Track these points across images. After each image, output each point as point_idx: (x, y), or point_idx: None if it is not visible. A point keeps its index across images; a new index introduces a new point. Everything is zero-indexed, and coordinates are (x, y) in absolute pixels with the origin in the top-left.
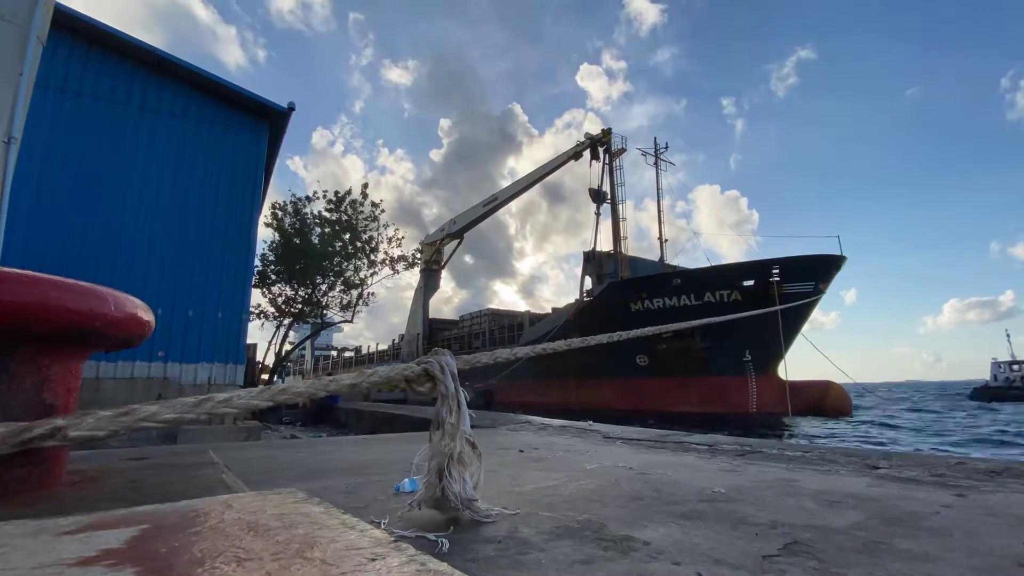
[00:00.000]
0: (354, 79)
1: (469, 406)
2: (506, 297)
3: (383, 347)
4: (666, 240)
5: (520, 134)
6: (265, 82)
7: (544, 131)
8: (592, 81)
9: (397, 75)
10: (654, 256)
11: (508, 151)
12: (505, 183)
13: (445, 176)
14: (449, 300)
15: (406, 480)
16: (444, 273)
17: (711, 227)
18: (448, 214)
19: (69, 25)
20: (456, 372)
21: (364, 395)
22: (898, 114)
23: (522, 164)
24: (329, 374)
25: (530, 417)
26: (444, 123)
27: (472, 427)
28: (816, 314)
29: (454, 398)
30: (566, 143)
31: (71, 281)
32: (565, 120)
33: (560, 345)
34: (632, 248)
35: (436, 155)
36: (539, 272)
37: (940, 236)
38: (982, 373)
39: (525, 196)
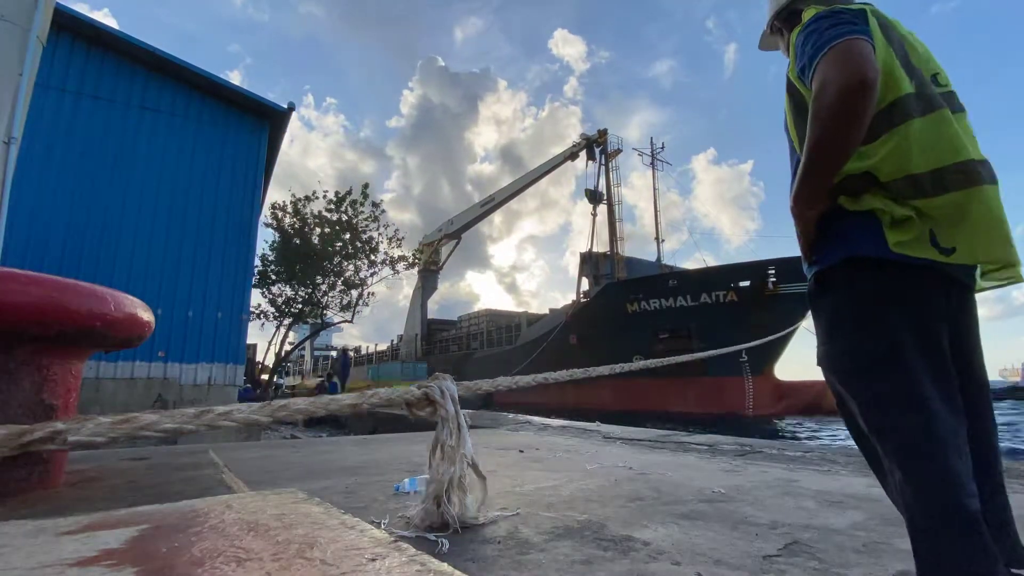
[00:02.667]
0: None
1: (468, 405)
2: (486, 289)
3: (382, 347)
4: (663, 240)
5: (487, 93)
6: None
7: (512, 86)
8: (570, 47)
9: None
10: (645, 241)
11: (476, 115)
12: (479, 152)
13: (405, 145)
14: (409, 297)
15: (406, 480)
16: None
17: (711, 201)
18: (404, 191)
19: (69, 25)
20: (456, 396)
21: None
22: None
23: (488, 129)
24: (328, 375)
25: (530, 417)
26: (408, 95)
27: (472, 427)
28: None
29: (454, 421)
30: (538, 102)
31: (71, 281)
32: (531, 78)
33: (562, 375)
34: (623, 233)
35: (394, 122)
36: (519, 261)
37: None
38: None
39: (488, 172)
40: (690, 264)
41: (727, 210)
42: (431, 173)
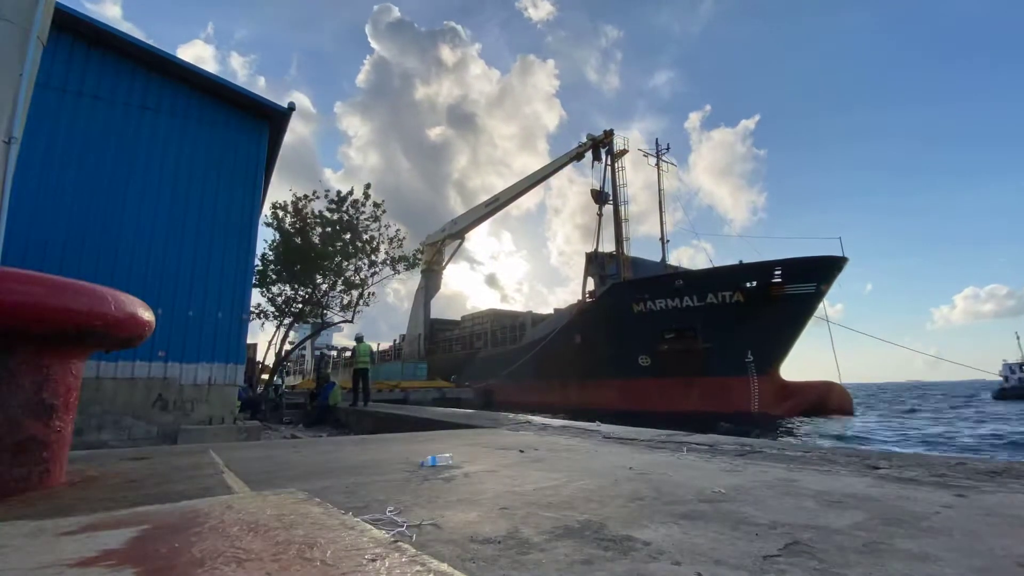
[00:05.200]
0: None
1: (470, 405)
2: (465, 283)
3: (385, 346)
4: (667, 240)
5: (451, 52)
6: None
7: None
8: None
9: None
10: (633, 221)
11: (439, 76)
12: (440, 115)
13: (357, 109)
14: (396, 291)
15: (430, 457)
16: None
17: (707, 173)
18: (353, 165)
19: (69, 25)
20: None
21: (365, 397)
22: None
23: (452, 88)
24: (327, 374)
25: (531, 417)
26: (367, 65)
27: (472, 427)
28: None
29: None
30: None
31: (71, 281)
32: (500, 34)
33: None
34: (629, 233)
35: (345, 86)
36: (496, 250)
37: (970, 219)
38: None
39: (439, 134)
40: (685, 252)
41: (726, 182)
42: (387, 143)
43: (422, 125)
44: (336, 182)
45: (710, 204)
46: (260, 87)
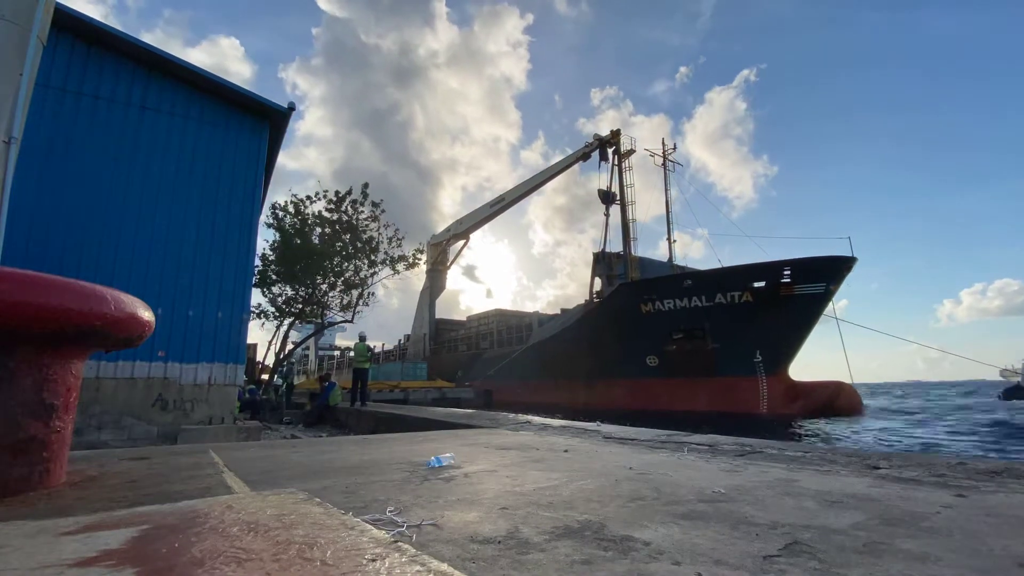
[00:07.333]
0: None
1: (469, 405)
2: (452, 276)
3: (389, 347)
4: (674, 241)
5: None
6: None
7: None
8: None
9: None
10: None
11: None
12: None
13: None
14: (386, 288)
15: (433, 458)
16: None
17: (701, 142)
18: (305, 139)
19: (69, 25)
20: None
21: (362, 398)
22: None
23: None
24: (327, 374)
25: (530, 417)
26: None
27: (472, 427)
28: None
29: None
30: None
31: (71, 281)
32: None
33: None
34: (636, 232)
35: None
36: (475, 243)
37: (979, 215)
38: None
39: (392, 97)
40: (680, 239)
41: (724, 152)
42: (338, 113)
43: (378, 89)
44: (281, 158)
45: (710, 182)
46: (162, 20)
